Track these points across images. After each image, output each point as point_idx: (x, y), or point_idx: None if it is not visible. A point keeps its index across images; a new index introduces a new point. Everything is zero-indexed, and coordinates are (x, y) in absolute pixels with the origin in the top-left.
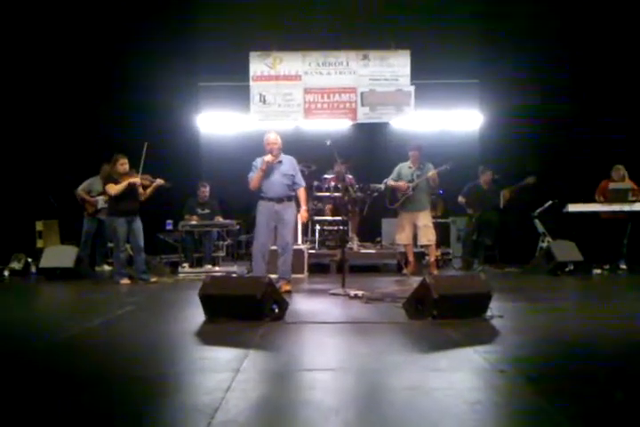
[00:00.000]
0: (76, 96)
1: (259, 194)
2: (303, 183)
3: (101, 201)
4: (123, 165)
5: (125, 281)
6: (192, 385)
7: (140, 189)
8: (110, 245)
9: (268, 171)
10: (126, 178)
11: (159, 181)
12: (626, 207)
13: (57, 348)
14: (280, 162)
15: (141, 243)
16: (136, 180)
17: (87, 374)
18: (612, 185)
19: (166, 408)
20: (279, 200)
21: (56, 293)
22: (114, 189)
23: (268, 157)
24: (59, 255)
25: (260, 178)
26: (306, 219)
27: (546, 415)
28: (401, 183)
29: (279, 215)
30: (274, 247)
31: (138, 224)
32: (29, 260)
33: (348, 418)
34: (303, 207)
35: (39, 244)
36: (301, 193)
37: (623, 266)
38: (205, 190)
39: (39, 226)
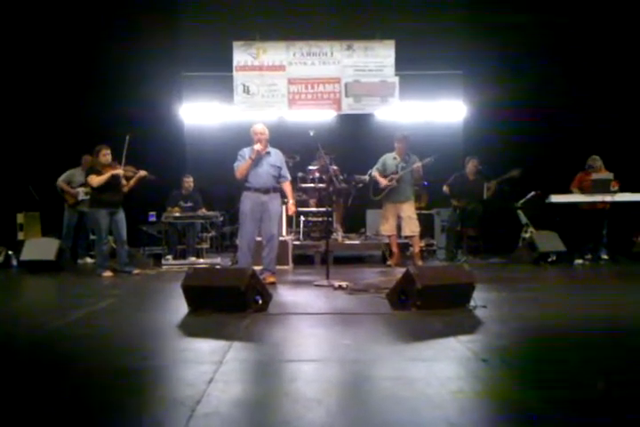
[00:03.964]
0: (57, 86)
1: (244, 184)
2: (289, 177)
3: (82, 193)
4: (105, 155)
5: (108, 273)
6: (174, 377)
7: (123, 181)
8: (92, 237)
9: (255, 161)
10: (109, 169)
11: (142, 173)
12: (607, 198)
13: (39, 341)
14: (268, 153)
15: (124, 235)
16: (119, 171)
17: (69, 367)
18: (594, 175)
19: (147, 401)
20: (266, 191)
21: (38, 285)
22: (96, 180)
23: (258, 146)
24: (40, 248)
25: (248, 167)
26: (293, 212)
27: (528, 404)
28: (382, 180)
29: (265, 206)
30: (259, 238)
31: (121, 216)
32: (10, 252)
33: (331, 409)
34: (290, 201)
35: (20, 236)
36: (287, 186)
37: (605, 256)
38: (189, 181)
39: (20, 218)
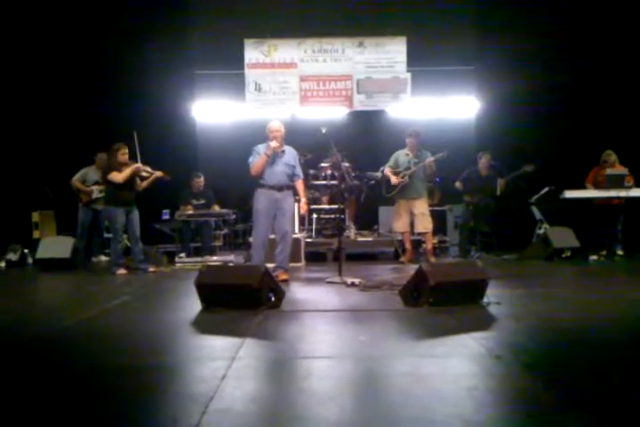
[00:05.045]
0: (70, 86)
1: (258, 182)
2: (302, 175)
3: (96, 191)
4: (124, 154)
5: (122, 271)
6: (187, 374)
7: (138, 180)
8: (107, 235)
9: (270, 159)
10: (126, 168)
11: (158, 173)
12: (622, 193)
13: (53, 338)
14: (283, 151)
15: (138, 232)
16: (139, 165)
17: (83, 364)
18: (608, 171)
19: (161, 397)
20: (280, 188)
21: (52, 283)
22: (119, 176)
23: (275, 143)
24: (55, 246)
25: (264, 164)
26: (305, 211)
27: (541, 401)
28: (393, 177)
29: (279, 203)
30: (272, 236)
31: (135, 214)
32: (26, 251)
33: (344, 405)
34: (303, 199)
35: (35, 235)
36: (300, 185)
37: (620, 252)
38: (200, 181)
39: (35, 217)
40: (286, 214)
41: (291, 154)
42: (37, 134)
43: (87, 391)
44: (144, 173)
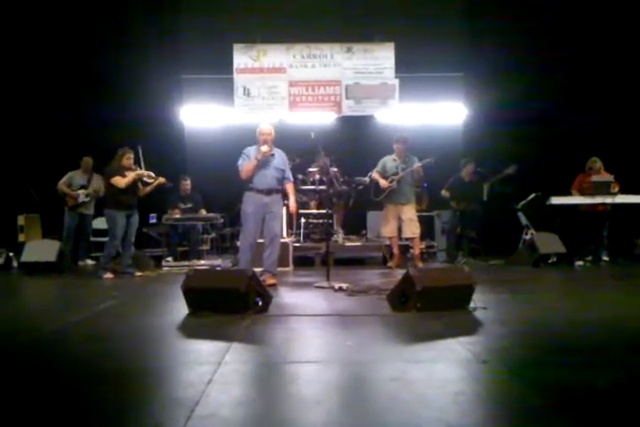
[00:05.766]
0: (57, 89)
1: (247, 185)
2: (292, 178)
3: (82, 195)
4: (129, 159)
5: (109, 275)
6: (173, 378)
7: (140, 185)
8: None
9: (261, 162)
10: (130, 172)
11: (161, 180)
12: (608, 200)
13: (39, 342)
14: (273, 154)
15: (133, 237)
16: (142, 172)
17: (69, 369)
18: (594, 177)
19: (146, 402)
20: (268, 192)
21: (38, 287)
22: (122, 181)
23: (265, 148)
24: (41, 250)
25: (254, 168)
26: (294, 208)
27: (528, 406)
28: (383, 181)
29: (268, 207)
30: (260, 240)
31: (135, 218)
32: (11, 254)
33: (331, 409)
34: (292, 198)
35: (21, 238)
36: (290, 187)
37: (605, 258)
38: (187, 184)
39: (21, 220)
40: (276, 218)
41: (280, 157)
42: (23, 138)
43: (71, 395)
44: (147, 179)
